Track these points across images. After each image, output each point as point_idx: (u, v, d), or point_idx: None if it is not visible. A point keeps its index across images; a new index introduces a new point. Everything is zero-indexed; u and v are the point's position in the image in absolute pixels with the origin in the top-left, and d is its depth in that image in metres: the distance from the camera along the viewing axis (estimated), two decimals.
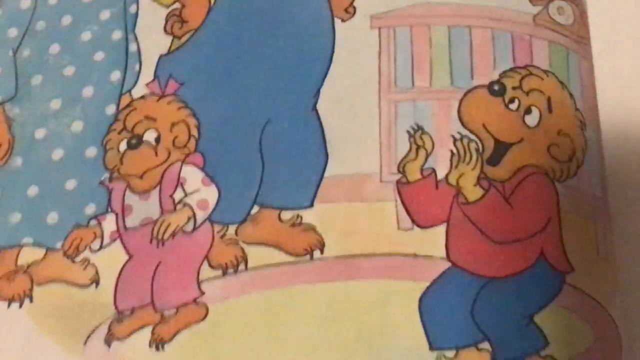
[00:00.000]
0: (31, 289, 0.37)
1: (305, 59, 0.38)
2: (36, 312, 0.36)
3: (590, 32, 0.39)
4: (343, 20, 0.38)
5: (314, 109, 0.37)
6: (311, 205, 0.36)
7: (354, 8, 0.38)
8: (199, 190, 0.37)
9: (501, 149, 0.36)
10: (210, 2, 0.40)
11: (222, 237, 0.36)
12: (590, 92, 0.38)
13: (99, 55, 0.40)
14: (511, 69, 0.37)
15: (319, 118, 0.37)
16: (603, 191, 0.37)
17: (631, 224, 0.37)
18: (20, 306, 0.36)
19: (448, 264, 0.34)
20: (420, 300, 0.34)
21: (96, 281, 0.37)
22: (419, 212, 0.35)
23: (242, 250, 0.36)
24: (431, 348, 0.33)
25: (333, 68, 0.38)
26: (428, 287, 0.34)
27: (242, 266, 0.36)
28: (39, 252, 0.38)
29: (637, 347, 0.35)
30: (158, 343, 0.35)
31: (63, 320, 0.36)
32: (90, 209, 0.38)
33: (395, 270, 0.35)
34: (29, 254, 0.38)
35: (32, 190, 0.38)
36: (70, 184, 0.38)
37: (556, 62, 0.37)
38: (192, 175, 0.37)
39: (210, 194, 0.37)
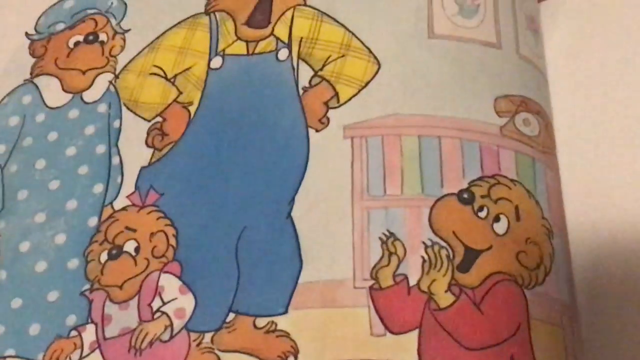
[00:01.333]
0: None
1: (281, 167, 0.40)
2: None
3: (556, 143, 0.41)
4: (317, 131, 0.40)
5: (289, 216, 0.39)
6: (286, 311, 0.37)
7: (328, 119, 0.40)
8: (176, 299, 0.39)
9: (471, 256, 0.37)
10: (189, 115, 0.42)
11: (197, 345, 0.38)
12: (557, 201, 0.39)
13: (83, 169, 0.42)
14: (480, 178, 0.38)
15: (293, 225, 0.39)
16: (571, 298, 0.38)
17: (600, 330, 0.39)
18: None
19: None
20: None
21: None
22: (391, 318, 0.37)
23: (218, 358, 0.37)
24: None
25: (307, 176, 0.39)
26: None
27: None
28: None
29: None
30: None
31: None
32: (71, 320, 0.40)
33: None
34: None
35: (16, 303, 0.40)
36: (52, 296, 0.40)
37: (523, 171, 0.39)
38: (170, 284, 0.39)
39: (187, 302, 0.39)
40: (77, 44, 0.45)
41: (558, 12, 0.43)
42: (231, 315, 0.38)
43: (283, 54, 0.42)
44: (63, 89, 0.44)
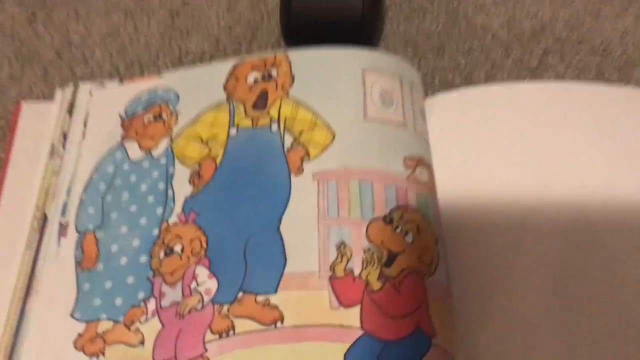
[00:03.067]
0: (104, 348, 0.33)
1: (273, 198, 0.35)
2: None
3: (435, 183, 0.37)
4: (296, 175, 0.35)
5: (278, 230, 0.34)
6: (276, 291, 0.32)
7: (303, 168, 0.35)
8: (206, 282, 0.33)
9: (392, 257, 0.32)
10: (216, 165, 0.37)
11: (219, 313, 0.32)
12: (438, 220, 0.35)
13: (150, 199, 0.37)
14: (396, 207, 0.34)
15: (281, 235, 0.33)
16: (448, 280, 0.33)
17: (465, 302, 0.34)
18: (97, 359, 0.33)
19: (361, 332, 0.30)
20: (344, 356, 0.30)
21: (142, 342, 0.32)
22: (343, 297, 0.31)
23: (232, 321, 0.32)
24: None
25: (290, 204, 0.34)
26: (349, 347, 0.30)
27: (231, 332, 0.32)
28: (110, 324, 0.33)
29: None
30: None
31: None
32: (141, 295, 0.34)
33: (329, 335, 0.31)
34: (104, 325, 0.34)
35: (108, 284, 0.35)
36: (130, 280, 0.34)
37: (420, 203, 0.34)
38: (202, 273, 0.33)
39: (213, 284, 0.33)
40: (149, 120, 0.39)
41: (433, 106, 0.40)
42: (240, 293, 0.33)
43: (274, 127, 0.37)
44: (140, 149, 0.39)
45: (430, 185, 0.36)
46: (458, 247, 0.35)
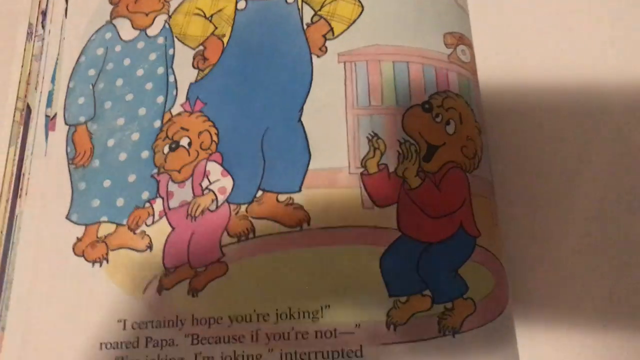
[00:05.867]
0: (107, 253, 0.30)
1: (292, 84, 0.30)
2: (111, 270, 0.29)
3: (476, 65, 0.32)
4: (318, 57, 0.30)
5: (299, 120, 0.30)
6: (300, 190, 0.29)
7: (326, 47, 0.31)
8: (219, 180, 0.29)
9: (432, 149, 0.29)
10: (223, 44, 0.32)
11: (236, 213, 0.29)
12: (481, 108, 0.31)
13: (149, 85, 0.32)
14: (436, 93, 0.30)
15: (303, 127, 0.30)
16: (491, 176, 0.30)
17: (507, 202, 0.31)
18: (100, 265, 0.30)
19: (399, 233, 0.27)
20: (380, 260, 0.27)
21: (150, 247, 0.29)
22: (377, 195, 0.28)
23: (251, 223, 0.29)
24: (389, 295, 0.27)
25: (312, 91, 0.30)
26: (385, 250, 0.27)
27: (251, 235, 0.28)
28: (112, 227, 0.30)
29: (515, 285, 0.29)
30: (193, 291, 0.28)
31: (128, 275, 0.29)
32: (145, 195, 0.30)
33: (362, 238, 0.28)
34: (105, 228, 0.30)
35: (107, 183, 0.31)
36: (132, 178, 0.31)
37: (462, 88, 0.30)
38: (214, 169, 0.30)
39: (227, 182, 0.29)
40: None
41: None
42: (260, 192, 0.29)
43: None
44: (133, 27, 0.34)
45: (472, 67, 0.31)
46: (499, 139, 0.31)
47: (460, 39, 0.31)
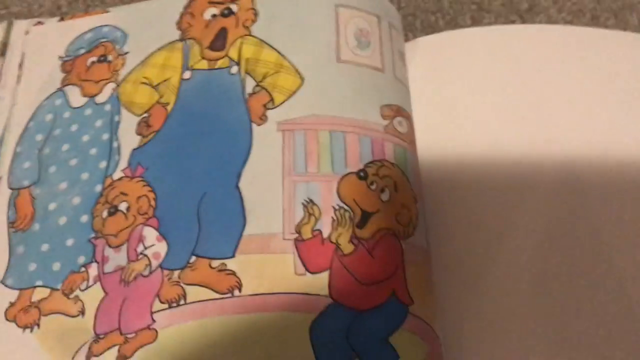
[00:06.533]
0: (39, 319, 0.29)
1: (231, 150, 0.31)
2: (41, 336, 0.29)
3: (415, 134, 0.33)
4: (258, 125, 0.31)
5: (237, 186, 0.30)
6: (233, 255, 0.28)
7: (266, 116, 0.31)
8: (154, 245, 0.29)
9: (365, 216, 0.29)
10: (167, 112, 0.32)
11: (169, 279, 0.28)
12: (417, 177, 0.32)
13: (93, 151, 0.32)
14: (371, 162, 0.30)
15: (240, 193, 0.30)
16: (427, 244, 0.30)
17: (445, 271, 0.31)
18: (31, 331, 0.29)
19: (330, 300, 0.27)
20: (310, 327, 0.27)
21: (82, 312, 0.29)
22: (310, 261, 0.28)
23: (183, 289, 0.28)
24: None
25: (251, 157, 0.30)
26: (315, 318, 0.27)
27: (182, 301, 0.28)
28: (47, 291, 0.30)
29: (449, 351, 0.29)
30: (122, 358, 0.27)
31: (59, 342, 0.29)
32: (81, 259, 0.30)
33: (293, 305, 0.27)
34: (40, 293, 0.30)
35: (44, 247, 0.31)
36: (70, 242, 0.31)
37: (398, 157, 0.31)
38: (150, 234, 0.30)
39: (162, 247, 0.29)
40: (92, 62, 0.35)
41: (414, 51, 0.36)
42: (193, 258, 0.29)
43: (234, 69, 0.33)
44: (82, 95, 0.34)
45: (409, 138, 0.32)
46: (439, 207, 0.32)
47: (397, 111, 0.32)
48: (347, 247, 0.28)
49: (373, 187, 0.29)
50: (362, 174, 0.29)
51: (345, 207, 0.29)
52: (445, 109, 0.34)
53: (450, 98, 0.35)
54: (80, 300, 0.29)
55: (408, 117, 0.32)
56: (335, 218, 0.28)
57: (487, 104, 0.34)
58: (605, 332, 0.29)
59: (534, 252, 0.31)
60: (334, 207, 0.29)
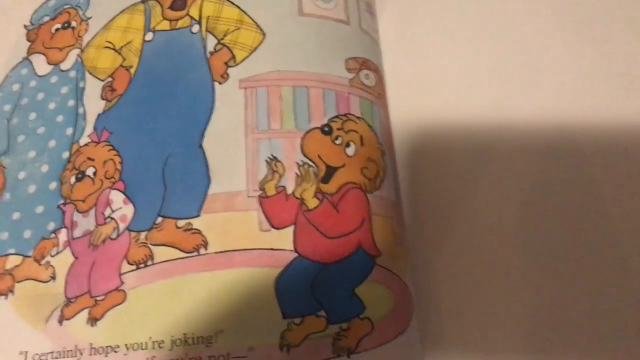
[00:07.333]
0: (13, 285, 0.29)
1: (194, 110, 0.30)
2: (15, 302, 0.29)
3: (386, 90, 0.33)
4: (220, 83, 0.31)
5: (200, 146, 0.30)
6: (198, 215, 0.28)
7: (228, 74, 0.31)
8: (121, 208, 0.29)
9: (330, 171, 0.28)
10: (130, 75, 0.32)
11: (136, 241, 0.29)
12: (387, 130, 0.31)
13: (60, 118, 0.32)
14: (336, 116, 0.30)
15: (204, 153, 0.29)
16: (397, 196, 0.30)
17: (417, 221, 0.30)
18: (6, 298, 0.29)
19: (295, 255, 0.27)
20: (275, 281, 0.27)
21: (54, 277, 0.29)
22: (274, 217, 0.28)
23: (150, 250, 0.28)
24: (284, 317, 0.26)
25: (213, 117, 0.30)
26: (281, 272, 0.27)
27: (150, 262, 0.28)
28: (19, 259, 0.30)
29: (420, 304, 0.29)
30: (92, 320, 0.28)
31: (32, 307, 0.29)
32: (51, 226, 0.30)
33: (258, 260, 0.27)
34: (12, 261, 0.30)
35: (15, 215, 0.31)
36: (39, 209, 0.31)
37: (365, 111, 0.30)
38: (117, 197, 0.30)
39: (128, 210, 0.29)
40: (57, 29, 0.35)
41: (384, 3, 0.36)
42: (159, 219, 0.29)
43: (195, 28, 0.32)
44: (47, 62, 0.34)
45: (378, 91, 0.31)
46: (414, 162, 0.31)
47: (363, 64, 0.31)
48: (312, 202, 0.28)
49: (338, 141, 0.29)
50: (326, 128, 0.29)
51: (310, 162, 0.29)
52: (418, 61, 0.34)
53: (423, 49, 0.34)
54: (51, 266, 0.29)
55: (376, 70, 0.32)
56: (299, 174, 0.28)
57: (462, 55, 0.34)
58: (595, 278, 0.29)
59: (513, 206, 0.30)
60: (297, 163, 0.29)
